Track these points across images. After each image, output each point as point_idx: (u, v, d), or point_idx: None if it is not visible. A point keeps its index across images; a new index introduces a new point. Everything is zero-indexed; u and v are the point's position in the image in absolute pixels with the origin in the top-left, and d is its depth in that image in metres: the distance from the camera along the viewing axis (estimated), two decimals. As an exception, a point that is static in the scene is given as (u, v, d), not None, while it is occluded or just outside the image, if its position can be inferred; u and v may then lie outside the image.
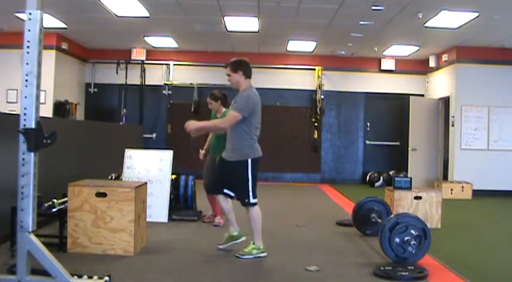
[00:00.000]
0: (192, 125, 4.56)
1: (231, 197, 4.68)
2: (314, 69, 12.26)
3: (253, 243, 4.62)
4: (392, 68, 12.23)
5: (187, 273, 4.07)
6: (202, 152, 6.34)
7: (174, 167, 6.52)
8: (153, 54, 11.93)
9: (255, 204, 4.59)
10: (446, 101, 11.22)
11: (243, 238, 4.76)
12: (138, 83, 11.99)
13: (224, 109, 6.14)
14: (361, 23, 8.73)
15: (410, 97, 11.30)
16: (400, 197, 6.33)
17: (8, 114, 6.46)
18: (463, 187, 10.00)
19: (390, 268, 4.13)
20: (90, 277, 3.33)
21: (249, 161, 4.52)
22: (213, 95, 6.19)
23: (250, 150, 4.55)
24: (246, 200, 4.56)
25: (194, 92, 11.84)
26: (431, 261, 4.51)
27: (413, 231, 4.32)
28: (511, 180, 10.40)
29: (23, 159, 3.17)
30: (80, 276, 3.30)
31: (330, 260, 4.61)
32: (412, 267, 4.15)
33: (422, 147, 11.12)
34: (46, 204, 4.66)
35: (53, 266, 3.14)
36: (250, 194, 4.54)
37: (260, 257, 4.57)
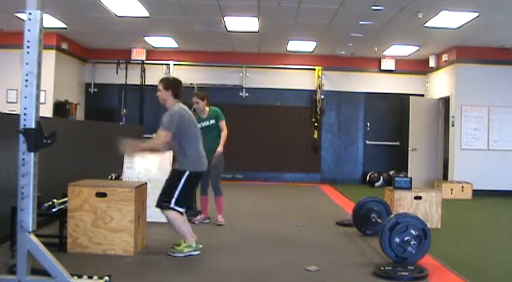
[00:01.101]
0: (130, 148, 4.59)
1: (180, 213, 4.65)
2: (314, 69, 12.26)
3: (184, 242, 4.63)
4: (392, 68, 12.23)
5: (187, 273, 4.07)
6: None
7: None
8: (153, 54, 11.93)
9: (172, 209, 4.53)
10: (446, 101, 11.22)
11: (198, 253, 4.67)
12: (138, 83, 11.99)
13: (208, 109, 6.19)
14: (361, 23, 8.73)
15: (410, 97, 11.31)
16: (400, 197, 6.33)
17: (8, 114, 6.45)
18: (463, 187, 9.99)
19: (390, 268, 4.13)
20: (90, 277, 3.33)
21: (187, 173, 4.58)
22: (199, 95, 6.25)
23: (191, 164, 4.63)
24: (167, 203, 4.51)
25: (194, 92, 11.83)
26: (431, 261, 4.51)
27: (413, 231, 4.32)
28: (511, 180, 10.40)
29: (23, 159, 3.17)
30: (80, 276, 3.30)
31: (330, 260, 4.61)
32: (412, 267, 4.15)
33: (422, 147, 11.12)
34: (46, 204, 4.66)
35: (53, 266, 3.14)
36: (174, 199, 4.52)
37: (192, 255, 4.57)
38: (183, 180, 4.56)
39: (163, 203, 4.56)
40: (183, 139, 4.62)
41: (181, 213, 4.63)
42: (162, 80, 4.80)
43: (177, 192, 4.54)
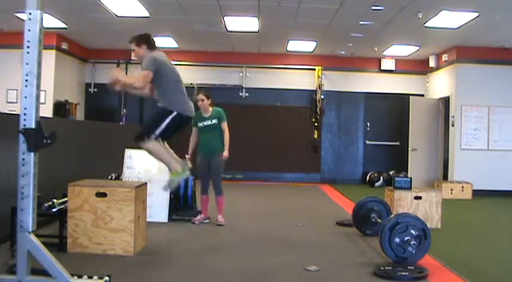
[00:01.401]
0: (117, 73, 4.52)
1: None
2: (314, 69, 12.27)
3: (171, 171, 4.59)
4: (392, 68, 12.24)
5: (187, 273, 4.06)
6: (188, 156, 6.34)
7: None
8: (153, 54, 11.91)
9: (152, 138, 4.45)
10: (446, 101, 11.22)
11: (188, 174, 4.73)
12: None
13: (211, 109, 6.21)
14: (361, 23, 8.73)
15: (410, 97, 11.30)
16: (400, 197, 6.33)
17: (8, 114, 6.46)
18: (463, 187, 10.00)
19: (390, 268, 4.13)
20: (90, 277, 3.33)
21: (174, 113, 4.48)
22: (205, 93, 6.28)
23: (179, 106, 4.53)
24: (152, 134, 4.42)
25: (194, 92, 11.80)
26: (431, 261, 4.51)
27: (413, 231, 4.32)
28: (511, 180, 10.40)
29: (23, 159, 3.17)
30: (80, 276, 3.30)
31: (330, 260, 4.61)
32: (412, 267, 4.15)
33: (422, 147, 11.12)
34: (46, 204, 4.66)
35: (53, 266, 3.14)
36: (157, 131, 4.43)
37: (183, 177, 4.63)
38: (169, 119, 4.46)
39: (145, 135, 4.45)
40: (166, 80, 4.52)
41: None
42: (133, 39, 4.71)
43: (161, 128, 4.45)
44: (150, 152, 4.55)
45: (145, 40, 4.69)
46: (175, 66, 4.78)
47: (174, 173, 4.58)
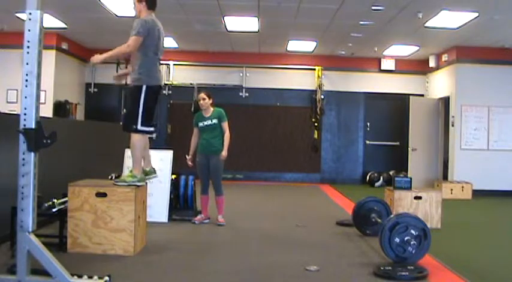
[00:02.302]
0: (97, 58, 4.51)
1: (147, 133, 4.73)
2: (314, 69, 12.27)
3: (131, 171, 4.72)
4: (392, 68, 12.24)
5: (187, 273, 4.06)
6: (188, 157, 6.35)
7: (174, 167, 6.53)
8: (153, 54, 11.91)
9: (141, 131, 4.60)
10: (446, 101, 11.22)
11: (155, 175, 4.91)
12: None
13: (212, 109, 6.22)
14: (361, 23, 8.73)
15: (410, 97, 11.31)
16: (400, 197, 6.33)
17: (8, 114, 6.45)
18: (463, 187, 10.00)
19: (390, 268, 4.13)
20: (90, 277, 3.33)
21: (143, 87, 4.57)
22: (207, 92, 6.30)
23: (145, 77, 4.61)
24: (134, 126, 4.55)
25: (194, 92, 11.84)
26: (431, 261, 4.51)
27: (413, 231, 4.32)
28: (511, 180, 10.40)
29: (23, 159, 3.18)
30: (80, 276, 3.30)
31: (330, 260, 4.61)
32: (412, 267, 4.15)
33: (422, 147, 11.12)
34: (46, 204, 4.65)
35: (53, 266, 3.14)
36: (139, 120, 4.55)
37: (136, 185, 4.62)
38: (142, 97, 4.56)
39: (130, 126, 4.57)
40: (144, 47, 4.60)
41: (149, 132, 4.69)
42: None
43: (140, 112, 4.55)
44: (131, 142, 4.67)
45: None
46: (162, 33, 4.87)
47: (131, 175, 4.67)
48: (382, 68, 12.25)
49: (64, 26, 9.54)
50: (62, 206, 4.72)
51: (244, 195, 9.51)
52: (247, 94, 12.27)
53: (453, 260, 4.63)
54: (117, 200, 4.50)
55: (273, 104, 12.28)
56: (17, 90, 10.08)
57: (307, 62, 12.24)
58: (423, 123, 11.20)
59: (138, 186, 4.64)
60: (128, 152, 6.51)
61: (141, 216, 4.72)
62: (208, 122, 6.23)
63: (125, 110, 4.85)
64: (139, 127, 4.58)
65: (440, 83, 11.47)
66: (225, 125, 6.26)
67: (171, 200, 6.36)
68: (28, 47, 3.18)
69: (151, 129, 4.71)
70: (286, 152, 12.22)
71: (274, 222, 6.65)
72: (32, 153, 3.18)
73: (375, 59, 12.21)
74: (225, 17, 8.69)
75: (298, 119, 12.29)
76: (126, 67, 5.10)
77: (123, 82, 5.13)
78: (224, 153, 6.20)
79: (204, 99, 6.22)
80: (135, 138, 4.64)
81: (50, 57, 10.10)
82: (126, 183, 4.62)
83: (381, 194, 6.59)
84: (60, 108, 10.69)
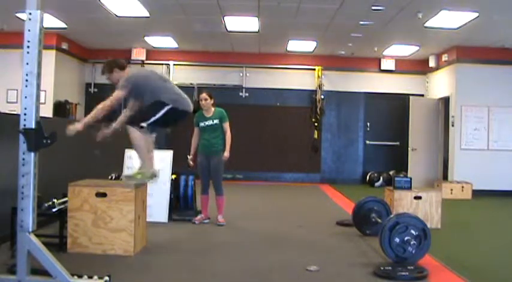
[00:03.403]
0: (73, 128, 4.43)
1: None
2: (314, 69, 12.27)
3: (140, 168, 4.74)
4: (392, 68, 12.24)
5: (187, 273, 4.07)
6: (190, 157, 6.35)
7: (174, 167, 6.53)
8: (153, 54, 11.92)
9: (141, 127, 4.58)
10: (446, 101, 11.22)
11: (150, 182, 4.85)
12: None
13: (213, 109, 6.22)
14: (361, 23, 8.73)
15: (410, 97, 11.31)
16: (400, 197, 6.33)
17: (8, 114, 6.45)
18: (463, 187, 9.99)
19: (390, 268, 4.13)
20: (90, 277, 3.33)
21: (169, 105, 4.58)
22: (208, 93, 6.30)
23: (174, 102, 4.61)
24: (144, 122, 4.53)
25: (194, 92, 11.83)
26: (431, 261, 4.51)
27: (413, 231, 4.32)
28: (511, 180, 10.40)
29: (23, 159, 3.17)
30: (80, 276, 3.30)
31: (330, 260, 4.61)
32: (412, 267, 4.15)
33: (422, 147, 11.12)
34: (46, 204, 4.66)
35: (53, 266, 3.14)
36: (152, 120, 4.55)
37: (145, 181, 4.69)
38: (164, 110, 4.57)
39: (139, 121, 4.56)
40: (152, 87, 4.63)
41: (150, 134, 4.69)
42: (104, 69, 4.84)
43: (155, 118, 4.55)
44: (132, 141, 4.65)
45: (114, 65, 4.79)
46: (152, 71, 4.94)
47: (140, 173, 4.70)
48: (382, 68, 12.25)
49: (64, 26, 9.53)
50: (62, 206, 4.72)
51: (244, 195, 9.51)
52: (247, 94, 12.27)
53: (453, 260, 4.63)
54: (117, 200, 4.50)
55: (273, 104, 12.28)
56: (17, 90, 10.08)
57: (307, 62, 12.24)
58: (423, 123, 11.20)
59: (145, 182, 4.69)
60: (128, 152, 6.52)
61: (141, 216, 4.72)
62: (210, 122, 6.23)
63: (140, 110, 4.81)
64: (143, 125, 4.54)
65: (440, 83, 11.47)
66: (227, 126, 6.27)
67: (171, 200, 6.36)
68: (28, 47, 3.18)
69: (153, 135, 4.74)
70: (286, 152, 12.22)
71: (274, 222, 6.65)
72: (32, 153, 3.18)
73: (375, 59, 12.21)
74: (225, 17, 8.69)
75: (298, 119, 12.28)
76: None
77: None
78: (226, 154, 6.20)
79: (206, 99, 6.22)
80: (136, 135, 4.60)
81: (50, 57, 10.10)
82: (135, 181, 4.63)
83: (381, 194, 6.59)
84: (60, 108, 10.69)
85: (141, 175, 4.70)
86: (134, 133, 4.61)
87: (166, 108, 4.57)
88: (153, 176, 4.78)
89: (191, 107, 4.82)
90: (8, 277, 3.26)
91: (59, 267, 3.15)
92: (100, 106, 4.56)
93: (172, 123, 4.92)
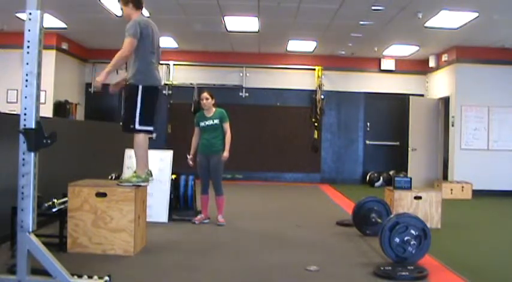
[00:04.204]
0: (100, 79, 4.51)
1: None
2: (314, 69, 12.27)
3: (135, 172, 4.74)
4: (392, 68, 12.24)
5: (187, 273, 4.07)
6: (190, 156, 6.35)
7: (174, 167, 6.53)
8: (153, 54, 11.92)
9: (140, 131, 4.62)
10: (446, 101, 11.22)
11: (145, 184, 4.77)
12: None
13: (214, 109, 6.23)
14: (361, 23, 8.73)
15: (410, 97, 11.31)
16: (400, 197, 6.33)
17: (8, 114, 6.45)
18: (463, 187, 10.00)
19: (390, 268, 4.13)
20: (90, 277, 3.33)
21: (140, 87, 4.59)
22: (210, 92, 6.31)
23: (142, 77, 4.62)
24: (131, 126, 4.57)
25: (194, 92, 11.84)
26: (431, 261, 4.51)
27: (413, 231, 4.32)
28: (511, 180, 10.40)
29: (23, 159, 3.17)
30: (80, 276, 3.30)
31: (330, 260, 4.61)
32: (412, 267, 4.15)
33: (422, 147, 11.11)
34: (46, 204, 4.66)
35: (53, 266, 3.14)
36: (136, 119, 4.56)
37: (140, 185, 4.65)
38: (139, 96, 4.58)
39: (128, 126, 4.59)
40: (140, 48, 4.61)
41: (149, 131, 4.71)
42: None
43: (137, 111, 4.56)
44: (135, 142, 4.69)
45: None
46: (156, 33, 4.83)
47: (135, 175, 4.69)
48: (382, 68, 12.25)
49: (64, 26, 9.54)
50: (62, 206, 4.72)
51: (244, 195, 9.51)
52: (247, 94, 12.27)
53: (453, 260, 4.63)
54: (117, 200, 4.50)
55: (273, 104, 12.28)
56: (17, 90, 10.08)
57: (307, 62, 12.24)
58: (423, 123, 11.20)
59: (141, 186, 4.67)
60: (127, 152, 6.52)
61: (141, 216, 4.72)
62: (210, 122, 6.23)
63: (123, 110, 4.83)
64: (137, 126, 4.59)
65: (440, 83, 11.47)
66: (227, 126, 6.28)
67: (171, 200, 6.36)
68: (28, 47, 3.18)
69: (151, 128, 4.72)
70: (286, 152, 12.22)
71: (274, 222, 6.65)
72: (32, 153, 3.18)
73: (375, 59, 12.21)
74: (225, 17, 8.69)
75: (298, 119, 12.29)
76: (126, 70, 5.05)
77: (120, 90, 5.10)
78: (226, 154, 6.21)
79: (207, 99, 6.23)
80: (138, 138, 4.67)
81: (50, 57, 10.10)
82: (131, 184, 4.63)
83: (381, 194, 6.59)
84: (60, 108, 10.69)
85: (138, 178, 4.68)
86: (138, 137, 4.67)
87: (139, 93, 4.56)
88: (147, 179, 4.75)
89: (159, 80, 4.83)
90: (8, 277, 3.26)
91: (59, 267, 3.15)
92: (118, 54, 4.57)
93: (154, 104, 4.82)
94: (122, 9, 4.84)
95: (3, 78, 10.25)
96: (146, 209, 4.96)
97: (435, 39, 9.94)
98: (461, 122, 10.50)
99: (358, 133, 12.49)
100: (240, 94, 12.27)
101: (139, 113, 4.57)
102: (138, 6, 4.78)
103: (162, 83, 4.87)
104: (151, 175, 4.87)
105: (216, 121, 6.23)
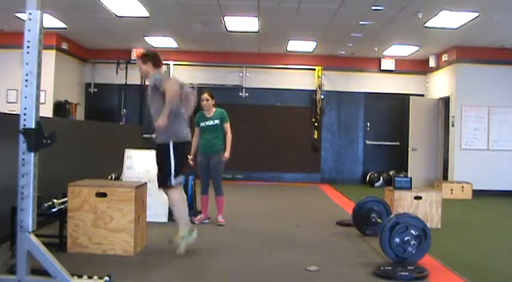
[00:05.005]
0: (162, 120, 4.48)
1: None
2: (314, 69, 12.27)
3: (178, 234, 4.63)
4: (392, 68, 12.23)
5: (188, 273, 4.07)
6: (190, 157, 6.35)
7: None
8: (153, 54, 11.91)
9: (174, 187, 4.62)
10: (446, 101, 11.22)
11: (194, 236, 4.70)
12: (138, 83, 11.95)
13: (214, 109, 6.23)
14: (361, 23, 8.73)
15: (411, 97, 11.31)
16: (400, 197, 6.33)
17: (8, 114, 6.45)
18: (463, 187, 10.00)
19: (390, 268, 4.13)
20: (90, 277, 3.33)
21: (171, 143, 4.60)
22: (210, 93, 6.31)
23: (173, 134, 4.62)
24: (168, 183, 4.59)
25: (194, 92, 11.82)
26: (431, 261, 4.51)
27: (413, 231, 4.32)
28: (511, 180, 10.40)
29: (23, 159, 3.17)
30: (80, 276, 3.30)
31: (330, 260, 4.62)
32: (412, 267, 4.15)
33: (422, 147, 11.12)
34: (46, 204, 4.66)
35: (53, 266, 3.14)
36: (172, 175, 4.58)
37: (188, 241, 4.60)
38: (171, 152, 4.59)
39: (165, 183, 4.61)
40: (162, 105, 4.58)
41: (181, 182, 4.72)
42: (140, 56, 4.86)
43: (172, 168, 4.58)
44: (171, 200, 4.68)
45: (151, 57, 4.79)
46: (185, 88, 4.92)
47: (182, 237, 4.59)
48: (382, 68, 12.24)
49: (64, 26, 9.54)
50: (62, 206, 4.72)
51: (244, 195, 9.50)
52: (247, 94, 12.27)
53: (453, 260, 4.63)
54: (117, 200, 4.50)
55: (273, 104, 12.28)
56: (17, 90, 10.08)
57: (307, 62, 12.24)
58: (423, 123, 11.20)
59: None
60: (127, 152, 6.52)
61: (141, 216, 4.72)
62: (210, 122, 6.23)
63: (156, 168, 4.78)
64: (173, 182, 4.59)
65: (440, 83, 11.47)
66: (227, 126, 6.28)
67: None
68: (28, 47, 3.18)
69: (181, 179, 4.71)
70: (286, 152, 12.22)
71: (274, 222, 6.65)
72: (32, 153, 3.18)
73: (375, 59, 12.21)
74: (225, 17, 8.69)
75: (298, 119, 12.28)
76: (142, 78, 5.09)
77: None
78: (227, 154, 6.21)
79: (207, 100, 6.23)
80: (173, 195, 4.62)
81: (50, 57, 10.10)
82: (182, 246, 4.54)
83: (381, 194, 6.59)
84: (60, 108, 10.69)
85: (184, 238, 4.59)
86: (172, 195, 4.63)
87: (171, 148, 4.57)
88: (193, 234, 4.67)
89: (189, 136, 4.85)
90: (8, 277, 3.26)
91: (59, 267, 3.15)
92: (168, 98, 4.50)
93: (185, 156, 4.91)
94: (140, 66, 4.80)
95: (3, 78, 10.25)
96: (146, 209, 4.96)
97: (435, 39, 9.94)
98: (461, 122, 10.50)
99: (358, 133, 12.49)
100: (240, 94, 12.27)
101: (174, 169, 4.59)
102: (157, 65, 4.78)
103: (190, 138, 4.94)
104: (194, 229, 4.76)
105: (217, 121, 6.23)
